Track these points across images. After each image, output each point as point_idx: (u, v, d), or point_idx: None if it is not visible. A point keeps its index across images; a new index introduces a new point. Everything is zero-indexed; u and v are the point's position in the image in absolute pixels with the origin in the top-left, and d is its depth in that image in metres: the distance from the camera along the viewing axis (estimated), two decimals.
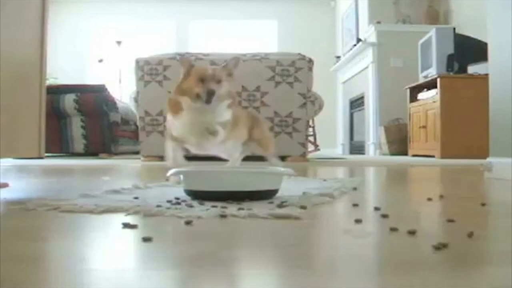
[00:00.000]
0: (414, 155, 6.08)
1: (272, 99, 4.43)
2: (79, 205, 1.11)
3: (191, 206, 1.10)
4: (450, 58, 5.47)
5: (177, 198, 1.23)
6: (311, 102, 4.48)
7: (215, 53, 4.58)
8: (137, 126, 4.90)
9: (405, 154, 6.42)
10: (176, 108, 2.09)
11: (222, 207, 1.08)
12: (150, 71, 4.44)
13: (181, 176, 1.29)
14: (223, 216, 0.99)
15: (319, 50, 9.03)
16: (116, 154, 5.48)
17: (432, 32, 5.69)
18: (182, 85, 2.09)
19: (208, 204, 1.12)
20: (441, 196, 1.40)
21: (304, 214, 1.02)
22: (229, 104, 2.15)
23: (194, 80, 2.08)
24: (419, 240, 0.78)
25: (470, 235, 0.77)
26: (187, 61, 2.14)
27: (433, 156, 5.45)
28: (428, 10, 7.07)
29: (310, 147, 5.01)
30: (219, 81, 2.09)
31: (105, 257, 0.71)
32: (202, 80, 2.06)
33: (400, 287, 0.53)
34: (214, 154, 2.33)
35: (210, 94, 2.04)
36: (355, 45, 7.66)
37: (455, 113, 5.25)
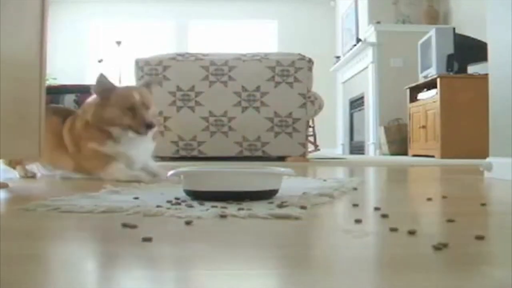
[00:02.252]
0: (414, 155, 6.09)
1: (272, 99, 4.43)
2: (79, 205, 1.11)
3: (191, 206, 1.10)
4: (450, 58, 5.47)
5: (177, 198, 1.23)
6: (311, 102, 4.48)
7: (215, 53, 4.58)
8: None
9: (405, 154, 6.43)
10: (102, 138, 1.96)
11: (222, 207, 1.08)
12: (150, 72, 4.44)
13: (181, 176, 1.29)
14: (223, 216, 0.99)
15: (319, 50, 9.04)
16: None
17: (432, 32, 5.69)
18: (103, 114, 1.91)
19: (208, 204, 1.12)
20: (444, 197, 1.40)
21: (304, 214, 1.02)
22: (153, 135, 2.00)
23: (120, 109, 1.91)
24: (419, 240, 0.78)
25: (479, 237, 0.77)
26: (104, 83, 1.94)
27: (433, 156, 5.45)
28: (428, 10, 7.07)
29: (310, 147, 5.01)
30: (148, 107, 1.95)
31: (105, 257, 0.70)
32: (132, 109, 1.90)
33: (400, 287, 0.53)
34: None
35: (148, 127, 1.88)
36: (355, 45, 7.66)
37: (455, 113, 5.25)
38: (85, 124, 2.03)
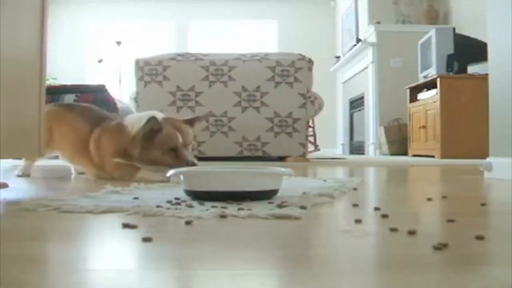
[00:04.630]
0: (414, 155, 6.09)
1: (272, 99, 4.43)
2: (79, 206, 1.11)
3: (191, 206, 1.10)
4: (450, 58, 5.47)
5: (177, 199, 1.23)
6: (311, 102, 4.48)
7: (215, 53, 4.58)
8: None
9: (405, 154, 6.42)
10: (133, 172, 2.02)
11: (222, 207, 1.07)
12: (150, 72, 4.44)
13: (181, 177, 1.29)
14: (223, 216, 0.99)
15: (319, 50, 9.04)
16: None
17: (432, 32, 5.69)
18: (148, 156, 1.96)
19: (208, 204, 1.12)
20: (444, 197, 1.40)
21: (304, 214, 1.02)
22: None
23: (163, 150, 1.95)
24: (419, 240, 0.78)
25: (479, 237, 0.77)
26: (152, 127, 1.94)
27: (433, 156, 5.45)
28: (428, 10, 7.07)
29: (310, 147, 5.01)
30: (188, 145, 2.00)
31: (105, 257, 0.70)
32: (174, 150, 1.95)
33: (400, 287, 0.53)
34: None
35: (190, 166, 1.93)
36: (355, 45, 7.66)
37: (455, 113, 5.25)
38: (114, 147, 2.06)
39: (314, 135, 5.27)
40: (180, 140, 1.97)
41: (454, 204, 1.27)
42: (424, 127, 5.73)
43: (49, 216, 1.03)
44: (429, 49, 5.75)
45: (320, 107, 4.65)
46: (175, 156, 1.95)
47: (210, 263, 0.64)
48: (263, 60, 4.46)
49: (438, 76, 5.33)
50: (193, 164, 1.94)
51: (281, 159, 4.45)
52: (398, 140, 6.62)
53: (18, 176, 2.25)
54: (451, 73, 5.42)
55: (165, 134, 1.97)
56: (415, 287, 0.53)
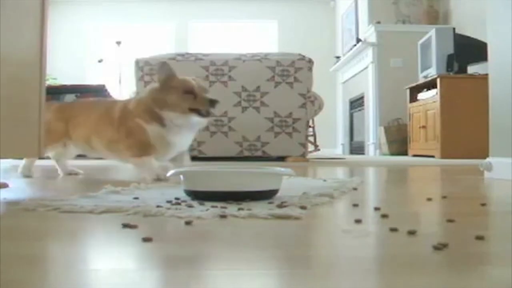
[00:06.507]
0: (414, 155, 6.09)
1: (272, 99, 4.43)
2: (79, 205, 1.11)
3: (191, 206, 1.10)
4: (450, 58, 5.47)
5: (177, 199, 1.23)
6: (311, 102, 4.48)
7: (215, 53, 4.58)
8: None
9: (405, 154, 6.43)
10: (151, 118, 2.02)
11: (222, 207, 1.07)
12: (150, 72, 4.44)
13: (181, 176, 1.29)
14: (223, 216, 0.99)
15: (319, 50, 9.05)
16: None
17: (432, 32, 5.69)
18: (166, 99, 1.99)
19: (208, 204, 1.12)
20: (444, 197, 1.40)
21: (304, 214, 1.02)
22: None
23: (181, 93, 1.99)
24: (419, 240, 0.78)
25: (479, 237, 0.77)
26: (167, 70, 2.01)
27: (433, 156, 5.45)
28: (428, 10, 7.07)
29: (310, 147, 5.01)
30: (206, 92, 2.05)
31: (105, 257, 0.70)
32: (191, 92, 1.99)
33: (400, 287, 0.53)
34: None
35: (212, 103, 2.00)
36: (355, 45, 7.67)
37: (455, 113, 5.25)
38: (139, 105, 2.08)
39: (314, 135, 5.27)
40: (194, 83, 2.03)
41: (454, 204, 1.27)
42: (424, 127, 5.73)
43: (49, 216, 1.03)
44: (429, 49, 5.75)
45: (320, 107, 4.65)
46: (192, 99, 1.99)
47: (210, 263, 0.64)
48: (263, 60, 4.47)
49: (438, 76, 5.33)
50: (215, 101, 2.00)
51: (281, 159, 4.45)
52: (398, 140, 6.62)
53: (23, 176, 2.24)
54: (451, 73, 5.42)
55: (180, 78, 2.03)
56: (415, 287, 0.53)
